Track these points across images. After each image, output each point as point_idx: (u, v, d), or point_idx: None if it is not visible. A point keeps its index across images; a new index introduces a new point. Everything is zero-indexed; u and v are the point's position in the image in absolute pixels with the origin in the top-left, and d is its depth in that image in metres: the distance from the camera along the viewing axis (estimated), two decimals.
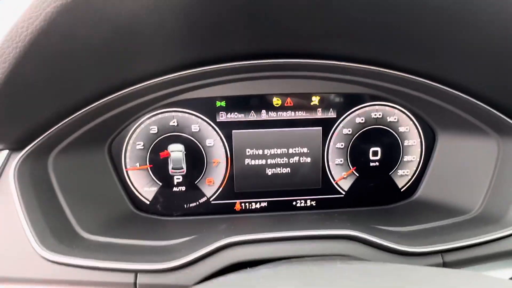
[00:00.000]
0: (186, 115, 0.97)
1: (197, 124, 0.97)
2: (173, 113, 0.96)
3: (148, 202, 1.00)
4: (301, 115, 0.99)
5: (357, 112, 1.01)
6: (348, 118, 1.01)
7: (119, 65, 0.74)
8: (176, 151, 0.98)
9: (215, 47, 0.78)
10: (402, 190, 1.07)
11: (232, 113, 0.97)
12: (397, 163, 1.05)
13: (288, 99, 0.98)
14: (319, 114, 1.00)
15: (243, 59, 0.85)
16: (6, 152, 0.78)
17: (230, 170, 1.00)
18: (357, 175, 1.05)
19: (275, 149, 1.00)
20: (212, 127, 0.98)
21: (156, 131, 0.97)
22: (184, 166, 0.99)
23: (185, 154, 0.99)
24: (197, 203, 1.02)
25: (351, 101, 1.00)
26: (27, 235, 0.72)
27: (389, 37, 0.73)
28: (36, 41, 0.52)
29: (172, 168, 0.99)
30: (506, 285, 0.43)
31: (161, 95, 0.91)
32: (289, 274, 0.41)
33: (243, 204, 1.03)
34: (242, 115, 0.98)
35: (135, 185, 0.99)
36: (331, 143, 1.02)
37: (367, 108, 1.01)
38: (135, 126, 0.96)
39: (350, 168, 1.04)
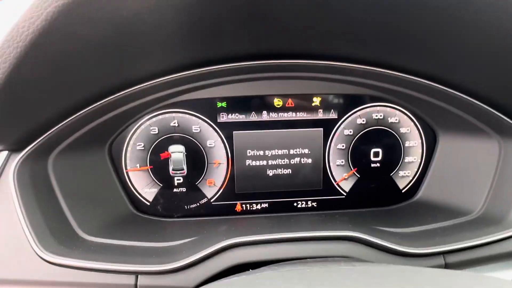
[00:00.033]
0: (187, 116, 0.96)
1: (197, 125, 0.97)
2: (174, 114, 0.96)
3: (148, 203, 1.00)
4: (302, 116, 0.99)
5: (358, 113, 1.01)
6: (349, 119, 1.01)
7: (119, 66, 0.74)
8: (177, 152, 0.98)
9: (216, 47, 0.78)
10: (403, 191, 1.07)
11: (233, 114, 0.97)
12: (398, 164, 1.05)
13: (289, 100, 0.98)
14: (320, 115, 0.99)
15: (244, 60, 0.85)
16: (5, 153, 0.78)
17: (231, 171, 1.00)
18: (358, 176, 1.04)
19: (276, 150, 1.00)
20: (213, 128, 0.97)
21: (156, 132, 0.96)
22: (184, 167, 0.99)
23: (186, 155, 0.98)
24: (198, 204, 1.01)
25: (352, 102, 1.00)
26: (27, 236, 0.71)
27: (389, 37, 0.73)
28: (37, 41, 0.52)
29: (173, 169, 0.99)
30: (510, 286, 0.43)
31: (161, 95, 0.91)
32: (293, 276, 0.41)
33: (244, 205, 1.03)
34: (243, 116, 0.97)
35: (136, 186, 0.99)
36: (332, 144, 1.01)
37: (368, 109, 1.01)
38: (135, 127, 0.96)
39: (351, 169, 1.04)
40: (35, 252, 0.71)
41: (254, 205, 1.03)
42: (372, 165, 1.04)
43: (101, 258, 0.73)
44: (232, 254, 0.76)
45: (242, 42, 0.78)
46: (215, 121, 0.97)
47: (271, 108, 0.98)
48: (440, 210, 0.97)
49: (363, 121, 1.01)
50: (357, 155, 1.03)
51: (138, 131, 0.96)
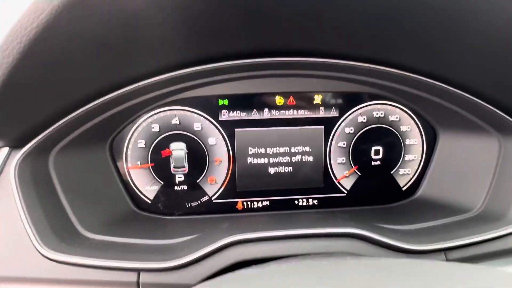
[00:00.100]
0: (188, 113, 0.96)
1: (199, 122, 0.97)
2: (175, 112, 0.96)
3: (149, 201, 1.00)
4: (303, 113, 0.99)
5: (359, 111, 1.01)
6: (350, 117, 1.01)
7: (122, 63, 0.74)
8: (178, 150, 0.98)
9: (218, 45, 0.78)
10: (403, 189, 1.07)
11: (235, 112, 0.97)
12: (399, 162, 1.05)
13: (291, 98, 0.98)
14: (321, 113, 1.00)
15: (245, 58, 0.85)
16: (6, 149, 0.77)
17: (232, 168, 1.00)
18: (359, 174, 1.05)
19: (277, 148, 1.00)
20: (215, 125, 0.97)
21: (158, 130, 0.96)
22: (186, 164, 0.99)
23: (187, 152, 0.98)
24: (199, 202, 1.01)
25: (353, 100, 1.00)
26: (28, 233, 0.71)
27: (390, 36, 0.73)
28: (41, 35, 0.52)
29: (174, 167, 0.98)
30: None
31: (163, 93, 0.91)
32: (301, 269, 0.41)
33: (245, 203, 1.03)
34: (245, 113, 0.97)
35: (137, 184, 0.98)
36: (333, 142, 1.02)
37: (369, 107, 1.01)
38: (136, 125, 0.95)
39: (352, 167, 1.04)
40: (36, 249, 0.70)
41: (255, 203, 1.03)
42: (373, 163, 1.04)
43: (103, 255, 0.73)
44: (234, 251, 0.76)
45: (243, 40, 0.78)
46: (216, 119, 0.97)
47: (273, 106, 0.98)
48: (441, 207, 0.97)
49: (364, 119, 1.01)
50: (358, 153, 1.03)
51: (139, 128, 0.96)
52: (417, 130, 1.04)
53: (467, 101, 0.87)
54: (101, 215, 0.89)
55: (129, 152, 0.96)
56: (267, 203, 1.03)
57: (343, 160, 1.03)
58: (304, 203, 1.04)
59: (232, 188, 1.01)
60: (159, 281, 0.73)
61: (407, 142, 1.04)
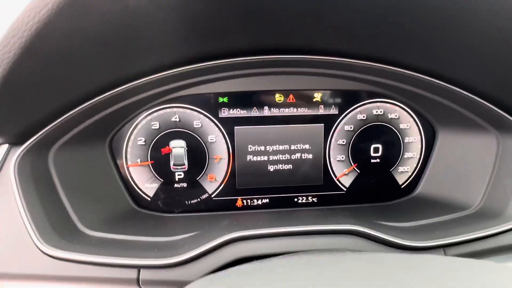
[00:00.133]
0: (188, 111, 0.96)
1: (199, 120, 0.97)
2: (175, 109, 0.96)
3: (149, 199, 1.00)
4: (303, 111, 0.99)
5: (358, 109, 1.01)
6: (350, 114, 1.01)
7: (122, 60, 0.74)
8: (178, 147, 0.98)
9: (217, 43, 0.78)
10: (402, 186, 1.07)
11: (234, 109, 0.97)
12: (398, 160, 1.06)
13: (291, 96, 0.98)
14: (321, 111, 1.00)
15: (245, 55, 0.85)
16: (6, 146, 0.77)
17: (232, 166, 1.00)
18: (358, 171, 1.05)
19: (277, 146, 1.00)
20: (214, 123, 0.97)
21: (157, 127, 0.96)
22: (185, 162, 0.99)
23: (187, 150, 0.98)
24: (199, 199, 1.01)
25: (352, 98, 1.00)
26: (28, 230, 0.71)
27: (389, 34, 0.73)
28: (42, 30, 0.52)
29: (174, 164, 0.98)
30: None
31: (163, 90, 0.91)
32: (303, 262, 0.41)
33: (244, 201, 1.03)
34: (245, 111, 0.97)
35: (136, 182, 0.98)
36: (333, 140, 1.02)
37: (368, 105, 1.01)
38: (136, 122, 0.95)
39: (352, 165, 1.04)
40: (36, 246, 0.70)
41: (255, 200, 1.03)
42: (372, 160, 1.05)
43: (103, 252, 0.73)
44: (234, 248, 0.76)
45: (243, 38, 0.78)
46: (216, 116, 0.97)
47: (273, 104, 0.98)
48: (439, 205, 0.98)
49: (364, 117, 1.02)
50: (357, 150, 1.04)
51: (139, 126, 0.96)
52: (416, 128, 1.05)
53: (466, 99, 0.88)
54: (100, 213, 0.88)
55: (129, 150, 0.96)
56: (267, 200, 1.03)
57: (342, 157, 1.04)
58: (304, 201, 1.05)
59: (231, 185, 1.01)
60: (159, 278, 0.73)
61: (406, 140, 1.05)
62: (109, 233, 0.82)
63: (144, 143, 0.96)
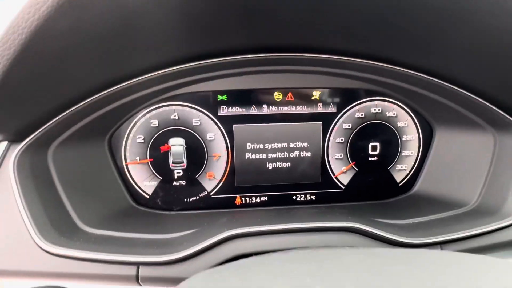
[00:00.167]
0: (187, 108, 0.97)
1: (198, 118, 0.97)
2: (174, 107, 0.96)
3: (148, 197, 1.00)
4: (301, 109, 1.00)
5: (357, 107, 1.02)
6: (348, 113, 1.02)
7: (121, 57, 0.74)
8: (177, 145, 0.98)
9: (216, 41, 0.78)
10: (400, 184, 1.08)
11: (233, 107, 0.97)
12: (396, 158, 1.06)
13: (289, 94, 0.99)
14: (319, 109, 1.00)
15: (244, 53, 0.85)
16: (5, 143, 0.77)
17: (231, 164, 1.00)
18: (357, 169, 1.06)
19: (276, 144, 1.01)
20: (213, 121, 0.98)
21: (156, 125, 0.96)
22: (184, 160, 0.99)
23: (186, 148, 0.98)
24: (198, 197, 1.02)
25: (351, 96, 1.01)
26: (27, 227, 0.71)
27: (387, 33, 0.74)
28: (42, 28, 0.52)
29: (173, 162, 0.99)
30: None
31: (162, 88, 0.91)
32: (302, 257, 0.42)
33: (243, 198, 1.03)
34: (243, 109, 0.98)
35: (135, 179, 0.99)
36: (331, 138, 1.03)
37: (366, 103, 1.02)
38: (135, 120, 0.96)
39: (350, 163, 1.05)
40: (36, 243, 0.70)
41: (254, 198, 1.03)
42: (370, 158, 1.05)
43: (102, 249, 0.73)
44: (233, 245, 0.76)
45: (242, 36, 0.78)
46: (215, 114, 0.97)
47: (271, 102, 0.99)
48: (437, 202, 0.99)
49: (362, 115, 1.02)
50: (355, 148, 1.04)
51: (138, 123, 0.96)
52: (413, 126, 1.05)
53: (463, 98, 0.88)
54: (99, 210, 0.89)
55: (128, 147, 0.97)
56: (265, 198, 1.04)
57: (340, 155, 1.04)
58: (302, 198, 1.05)
59: (230, 183, 1.01)
60: (158, 274, 0.73)
61: (404, 138, 1.05)
62: (108, 230, 0.83)
63: (143, 141, 0.97)
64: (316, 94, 1.00)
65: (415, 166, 1.07)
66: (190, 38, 0.75)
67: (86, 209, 0.85)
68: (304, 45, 0.84)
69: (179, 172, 1.00)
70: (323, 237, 0.79)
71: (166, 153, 0.98)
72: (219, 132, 0.98)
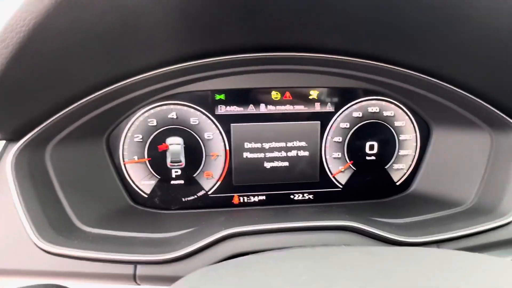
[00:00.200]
0: (185, 108, 0.97)
1: (196, 117, 0.97)
2: (172, 106, 0.96)
3: (146, 196, 1.00)
4: (299, 109, 1.00)
5: (354, 106, 1.02)
6: (346, 112, 1.02)
7: (119, 56, 0.74)
8: (175, 144, 0.98)
9: (214, 40, 0.78)
10: (398, 183, 1.08)
11: (231, 106, 0.98)
12: (393, 157, 1.07)
13: (287, 93, 0.99)
14: (317, 108, 1.01)
15: (242, 52, 0.86)
16: (3, 142, 0.77)
17: (229, 163, 1.00)
18: (354, 169, 1.06)
19: (274, 143, 1.01)
20: (211, 120, 0.98)
21: (155, 124, 0.96)
22: (182, 159, 0.99)
23: (184, 147, 0.98)
24: (195, 196, 1.02)
25: (348, 96, 1.01)
26: (25, 226, 0.71)
27: (385, 32, 0.74)
28: (40, 26, 0.52)
29: (171, 161, 0.99)
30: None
31: (160, 87, 0.91)
32: (299, 255, 0.42)
33: (241, 198, 1.03)
34: (241, 108, 0.98)
35: (133, 178, 0.99)
36: (329, 137, 1.03)
37: (364, 103, 1.02)
38: (133, 119, 0.96)
39: (347, 162, 1.05)
40: (33, 242, 0.70)
41: (251, 197, 1.04)
42: (368, 158, 1.06)
43: (100, 248, 0.73)
44: (231, 244, 0.76)
45: (240, 35, 0.78)
46: (213, 113, 0.97)
47: (269, 101, 0.99)
48: (434, 201, 0.99)
49: (360, 114, 1.03)
50: (353, 148, 1.05)
51: (136, 123, 0.96)
52: (411, 125, 1.06)
53: (461, 97, 0.89)
54: (97, 209, 0.89)
55: (126, 147, 0.97)
56: (263, 197, 1.04)
57: (338, 155, 1.04)
58: (300, 198, 1.05)
59: (228, 182, 1.02)
60: (156, 273, 0.73)
61: (402, 137, 1.06)
62: (106, 230, 0.83)
63: (141, 140, 0.97)
64: (314, 94, 1.00)
65: (413, 165, 1.08)
66: (189, 38, 0.76)
67: (84, 208, 0.85)
68: (302, 45, 0.84)
69: (177, 171, 1.00)
70: (321, 236, 0.79)
71: (164, 152, 0.98)
72: (217, 131, 0.99)
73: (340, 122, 1.02)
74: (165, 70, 0.84)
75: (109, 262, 0.72)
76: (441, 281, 0.38)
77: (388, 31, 0.73)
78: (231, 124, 0.98)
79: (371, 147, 1.05)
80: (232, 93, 0.97)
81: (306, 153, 1.03)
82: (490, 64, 0.78)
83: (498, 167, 0.92)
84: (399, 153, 1.07)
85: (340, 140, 1.04)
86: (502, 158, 0.92)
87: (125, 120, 0.95)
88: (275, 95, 0.99)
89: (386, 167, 1.07)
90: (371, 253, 0.43)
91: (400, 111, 1.05)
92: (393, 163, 1.07)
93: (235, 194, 1.03)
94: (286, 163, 1.02)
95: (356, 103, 1.02)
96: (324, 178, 1.05)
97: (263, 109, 0.99)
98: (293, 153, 1.02)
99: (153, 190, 1.00)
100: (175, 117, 0.97)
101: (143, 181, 0.99)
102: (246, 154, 1.00)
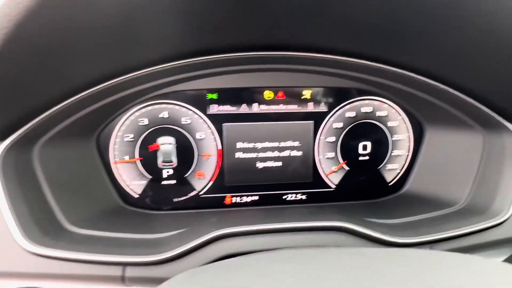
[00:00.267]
0: (177, 107, 0.95)
1: (188, 116, 0.96)
2: (164, 105, 0.95)
3: (136, 196, 0.98)
4: (292, 108, 0.99)
5: (347, 106, 1.02)
6: (339, 112, 1.01)
7: (111, 54, 0.73)
8: (166, 144, 0.97)
9: (208, 38, 0.78)
10: (390, 184, 1.08)
11: (223, 106, 0.97)
12: (386, 158, 1.06)
13: (280, 93, 0.98)
14: (310, 108, 1.00)
15: (235, 51, 0.85)
16: None
17: (221, 163, 0.99)
18: (347, 169, 1.06)
19: (266, 143, 1.00)
20: (203, 119, 0.97)
21: (146, 123, 0.95)
22: (174, 159, 0.98)
23: (176, 146, 0.97)
24: (187, 196, 1.01)
25: (342, 96, 1.01)
26: (11, 227, 0.69)
27: (380, 32, 0.74)
28: (26, 21, 0.50)
29: (162, 161, 0.98)
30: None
31: (151, 86, 0.90)
32: (289, 256, 0.41)
33: (233, 198, 1.02)
34: (234, 108, 0.97)
35: (124, 179, 0.97)
36: (322, 137, 1.02)
37: (357, 103, 1.02)
38: (124, 118, 0.94)
39: (340, 162, 1.05)
40: (19, 243, 0.69)
41: (244, 197, 1.03)
42: (361, 158, 1.05)
43: (88, 249, 0.72)
44: (221, 245, 0.76)
45: (234, 34, 0.78)
46: (205, 113, 0.96)
47: (262, 101, 0.98)
48: (427, 202, 0.99)
49: (353, 114, 1.02)
50: (346, 148, 1.04)
51: (127, 122, 0.95)
52: (404, 125, 1.05)
53: (454, 98, 0.89)
54: (87, 210, 0.87)
55: (116, 146, 0.95)
56: (256, 198, 1.03)
57: (331, 155, 1.04)
58: (293, 198, 1.05)
59: (220, 183, 1.01)
60: (145, 275, 0.72)
61: (395, 137, 1.05)
62: (95, 230, 0.81)
63: (132, 139, 0.95)
64: (307, 93, 0.99)
65: (406, 165, 1.07)
66: (182, 36, 0.75)
67: (73, 208, 0.84)
68: (295, 44, 0.83)
69: (169, 171, 0.98)
70: (314, 237, 0.79)
71: (156, 152, 0.97)
72: (209, 131, 0.97)
73: (334, 122, 1.02)
74: (156, 69, 0.83)
75: (97, 264, 0.71)
76: (431, 282, 0.37)
77: (382, 31, 0.73)
78: (224, 124, 0.97)
79: (365, 147, 1.05)
80: (224, 92, 0.96)
81: (299, 153, 1.02)
82: (483, 65, 0.78)
83: (490, 167, 0.92)
84: (392, 153, 1.06)
85: (333, 140, 1.03)
86: (494, 158, 0.92)
87: (116, 119, 0.94)
88: (268, 94, 0.98)
89: (379, 167, 1.07)
90: (361, 255, 0.42)
91: (394, 111, 1.04)
92: (386, 163, 1.07)
93: (227, 195, 1.02)
94: (279, 163, 1.02)
95: (350, 103, 1.01)
96: (317, 178, 1.04)
97: (256, 108, 0.98)
98: (286, 153, 1.01)
99: (144, 190, 0.99)
100: (166, 116, 0.95)
101: (134, 181, 0.98)
102: (238, 154, 1.00)
